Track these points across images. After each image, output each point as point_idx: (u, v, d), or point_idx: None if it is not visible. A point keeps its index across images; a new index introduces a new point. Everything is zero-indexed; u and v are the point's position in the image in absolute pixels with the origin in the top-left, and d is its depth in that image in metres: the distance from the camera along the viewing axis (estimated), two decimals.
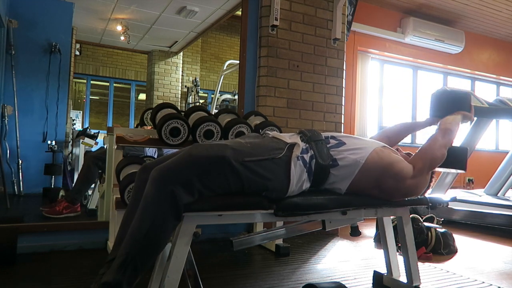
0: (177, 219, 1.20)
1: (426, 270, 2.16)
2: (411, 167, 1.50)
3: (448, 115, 1.71)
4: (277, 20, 2.88)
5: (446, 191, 3.89)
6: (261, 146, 1.37)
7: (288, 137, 1.45)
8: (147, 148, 2.80)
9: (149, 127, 2.63)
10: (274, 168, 1.32)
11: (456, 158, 1.60)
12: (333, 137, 1.51)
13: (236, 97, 5.31)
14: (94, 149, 4.09)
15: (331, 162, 1.42)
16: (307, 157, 1.39)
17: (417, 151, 1.60)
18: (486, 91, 6.88)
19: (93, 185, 3.23)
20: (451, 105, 1.75)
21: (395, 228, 1.76)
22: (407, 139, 6.05)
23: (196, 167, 1.23)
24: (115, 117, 8.54)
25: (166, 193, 1.17)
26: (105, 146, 3.10)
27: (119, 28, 5.86)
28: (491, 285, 1.94)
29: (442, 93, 1.83)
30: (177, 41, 6.72)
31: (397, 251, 1.82)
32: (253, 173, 1.27)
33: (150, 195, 1.19)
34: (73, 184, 3.68)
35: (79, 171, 4.60)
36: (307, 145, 1.42)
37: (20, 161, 4.16)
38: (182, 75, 7.70)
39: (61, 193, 3.60)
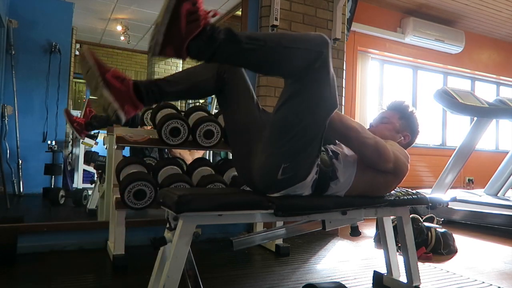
0: (307, 66, 1.20)
1: (426, 270, 2.16)
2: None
3: None
4: (277, 20, 2.87)
5: (446, 191, 3.89)
6: None
7: None
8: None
9: (149, 127, 2.63)
10: (313, 156, 1.31)
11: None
12: (328, 146, 1.49)
13: None
14: (94, 149, 4.09)
15: (331, 174, 1.40)
16: (318, 165, 1.36)
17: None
18: (486, 91, 6.88)
19: (93, 185, 3.23)
20: None
21: (395, 228, 1.76)
22: None
23: (333, 77, 1.26)
24: None
25: (325, 44, 1.21)
26: (105, 146, 3.10)
27: (119, 28, 5.86)
28: (491, 285, 1.94)
29: None
30: None
31: (397, 251, 1.82)
32: (316, 142, 1.28)
33: (313, 34, 1.23)
34: None
35: (79, 171, 4.63)
36: None
37: (20, 161, 4.16)
38: None
39: (61, 193, 3.61)
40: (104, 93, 1.20)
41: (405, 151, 1.59)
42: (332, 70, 1.25)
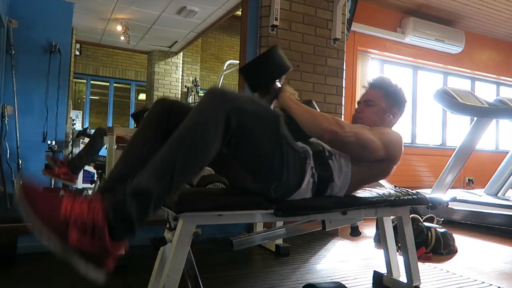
0: (227, 132, 1.11)
1: (426, 270, 2.16)
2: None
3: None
4: (277, 20, 2.88)
5: (446, 191, 3.89)
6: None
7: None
8: None
9: None
10: (296, 161, 1.29)
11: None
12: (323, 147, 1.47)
13: None
14: None
15: (328, 176, 1.39)
16: (313, 168, 1.36)
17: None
18: (486, 91, 6.88)
19: (93, 185, 3.23)
20: None
21: (395, 228, 1.76)
22: (407, 139, 6.07)
23: (254, 104, 1.19)
24: (115, 117, 8.54)
25: (225, 102, 1.10)
26: (105, 146, 3.10)
27: (119, 28, 5.86)
28: (491, 285, 1.94)
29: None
30: (177, 41, 6.72)
31: (397, 251, 1.82)
32: (287, 154, 1.25)
33: (205, 102, 1.11)
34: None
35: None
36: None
37: (20, 161, 4.15)
38: (182, 75, 7.70)
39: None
40: (74, 261, 0.95)
41: (397, 132, 1.55)
42: (245, 99, 1.17)
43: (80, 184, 4.63)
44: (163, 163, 1.05)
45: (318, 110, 1.49)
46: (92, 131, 4.37)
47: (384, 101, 1.62)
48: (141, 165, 1.08)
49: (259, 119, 1.19)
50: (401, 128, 6.00)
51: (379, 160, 1.45)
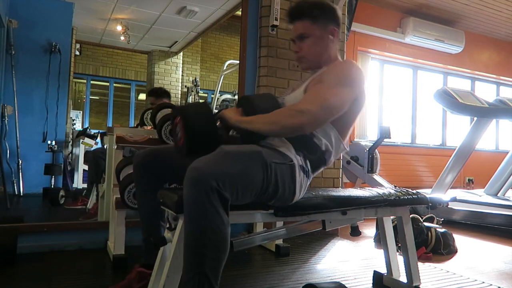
0: (227, 214, 1.10)
1: (426, 270, 2.16)
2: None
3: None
4: (277, 20, 2.87)
5: (446, 191, 3.89)
6: (273, 150, 1.32)
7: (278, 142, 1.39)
8: None
9: (149, 127, 2.64)
10: (286, 174, 1.28)
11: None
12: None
13: (236, 97, 5.31)
14: (93, 149, 4.10)
15: (321, 153, 1.40)
16: (301, 160, 1.35)
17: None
18: (486, 91, 6.88)
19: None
20: None
21: (395, 228, 1.76)
22: (407, 139, 6.07)
23: (236, 163, 1.15)
24: (115, 117, 8.53)
25: (205, 185, 1.05)
26: (105, 146, 3.11)
27: (119, 28, 5.86)
28: (491, 285, 1.94)
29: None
30: (177, 41, 6.72)
31: (397, 251, 1.82)
32: (276, 176, 1.24)
33: (189, 196, 1.07)
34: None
35: (79, 171, 4.63)
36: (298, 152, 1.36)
37: (20, 161, 4.16)
38: (182, 75, 7.70)
39: (61, 193, 3.61)
40: None
41: (348, 65, 1.42)
42: (223, 160, 1.14)
43: (80, 184, 4.63)
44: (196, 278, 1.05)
45: (278, 101, 1.44)
46: (93, 131, 4.38)
47: (315, 27, 1.46)
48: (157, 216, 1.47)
49: (244, 170, 1.16)
50: (401, 128, 6.01)
51: (341, 109, 1.35)
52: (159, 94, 3.61)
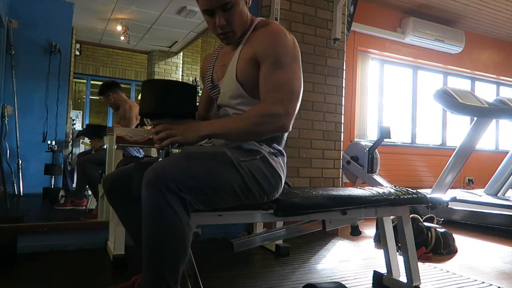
0: (188, 215, 1.08)
1: (426, 270, 2.16)
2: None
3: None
4: (277, 20, 2.87)
5: (446, 191, 3.89)
6: (237, 149, 1.29)
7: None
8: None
9: (149, 127, 2.63)
10: (262, 167, 1.26)
11: None
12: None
13: None
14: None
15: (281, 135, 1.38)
16: (267, 146, 1.32)
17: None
18: (486, 91, 6.88)
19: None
20: None
21: (395, 228, 1.76)
22: (407, 139, 6.07)
23: (199, 163, 1.12)
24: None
25: (169, 190, 1.03)
26: (105, 146, 3.11)
27: (119, 28, 5.86)
28: (491, 285, 1.94)
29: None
30: (177, 41, 6.72)
31: (397, 251, 1.82)
32: (252, 174, 1.22)
33: (149, 201, 1.05)
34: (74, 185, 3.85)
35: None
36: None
37: (20, 161, 4.16)
38: (182, 75, 7.70)
39: (61, 193, 3.61)
40: None
41: (281, 37, 1.31)
42: (183, 163, 1.11)
43: None
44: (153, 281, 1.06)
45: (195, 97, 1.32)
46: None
47: None
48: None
49: (209, 169, 1.13)
50: (401, 128, 6.01)
51: (297, 92, 1.28)
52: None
